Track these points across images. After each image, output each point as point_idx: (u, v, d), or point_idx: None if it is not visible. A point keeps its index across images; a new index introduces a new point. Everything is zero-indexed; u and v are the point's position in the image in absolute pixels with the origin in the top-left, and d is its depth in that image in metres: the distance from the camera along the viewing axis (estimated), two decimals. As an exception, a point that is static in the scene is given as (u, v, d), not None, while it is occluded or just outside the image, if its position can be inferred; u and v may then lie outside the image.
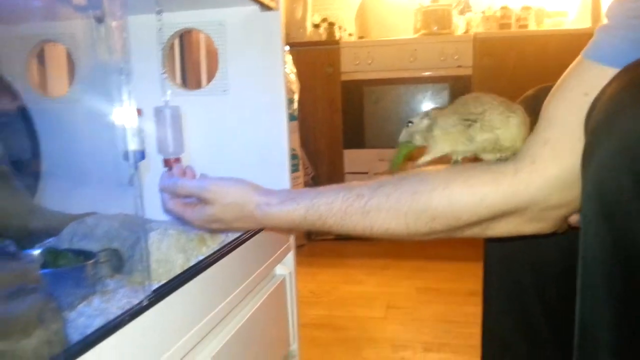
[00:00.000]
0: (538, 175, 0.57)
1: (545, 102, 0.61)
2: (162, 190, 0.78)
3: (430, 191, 0.61)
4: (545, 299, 0.80)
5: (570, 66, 0.59)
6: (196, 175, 0.83)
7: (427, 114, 0.70)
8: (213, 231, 0.84)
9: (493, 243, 0.85)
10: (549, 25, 2.84)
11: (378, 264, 2.17)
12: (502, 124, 0.63)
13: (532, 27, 2.83)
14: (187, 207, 0.77)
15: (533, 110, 0.77)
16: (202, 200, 0.74)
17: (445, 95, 2.66)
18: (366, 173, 2.74)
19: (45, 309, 0.48)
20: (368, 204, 0.64)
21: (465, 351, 1.41)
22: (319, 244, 2.51)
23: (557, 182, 0.57)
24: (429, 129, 0.68)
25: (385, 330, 1.56)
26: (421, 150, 0.70)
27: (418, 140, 0.70)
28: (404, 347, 1.45)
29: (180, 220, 0.81)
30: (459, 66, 2.62)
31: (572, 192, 0.57)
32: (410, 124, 0.71)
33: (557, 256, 0.78)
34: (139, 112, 0.99)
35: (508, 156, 0.63)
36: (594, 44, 0.56)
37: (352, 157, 2.79)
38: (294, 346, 1.15)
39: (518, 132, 0.62)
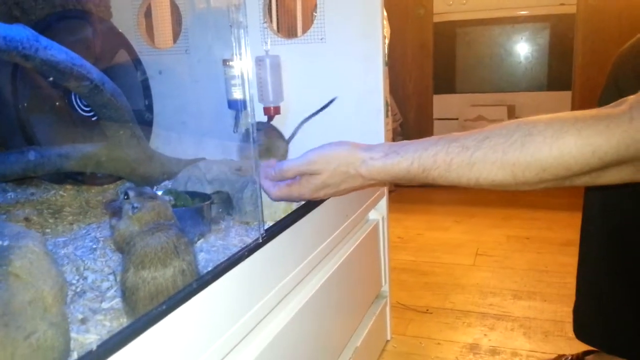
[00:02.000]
0: None
1: None
2: (272, 179, 0.76)
3: (541, 142, 0.59)
4: None
5: None
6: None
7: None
8: (322, 198, 0.83)
9: (594, 191, 0.82)
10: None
11: (466, 211, 2.16)
12: None
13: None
14: (292, 186, 0.77)
15: None
16: (308, 174, 0.75)
17: (545, 36, 2.51)
18: (456, 119, 2.68)
19: (179, 242, 0.55)
20: (474, 156, 0.63)
21: (557, 300, 1.39)
22: (406, 191, 2.53)
23: None
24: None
25: (474, 277, 1.57)
26: None
27: None
28: (493, 293, 1.46)
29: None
30: (562, 4, 2.43)
31: None
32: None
33: None
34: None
35: None
36: None
37: (441, 103, 2.74)
38: (385, 287, 1.20)
39: None
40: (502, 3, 2.53)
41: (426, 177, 0.67)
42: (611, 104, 0.61)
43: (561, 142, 0.58)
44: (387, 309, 1.21)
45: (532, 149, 0.60)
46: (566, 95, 2.49)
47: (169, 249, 0.53)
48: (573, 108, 2.65)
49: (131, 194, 0.61)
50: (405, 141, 0.70)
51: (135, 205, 0.59)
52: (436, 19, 2.64)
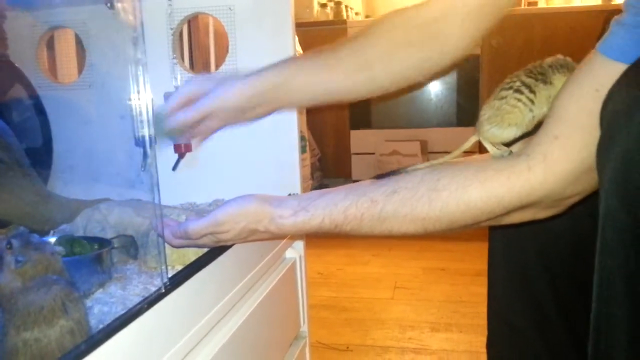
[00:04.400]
0: (551, 173, 0.58)
1: (556, 97, 0.61)
2: (177, 240, 0.73)
3: (447, 197, 0.61)
4: (551, 279, 0.80)
5: (584, 59, 0.58)
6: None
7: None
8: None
9: (496, 227, 0.85)
10: (558, 2, 2.81)
11: (384, 245, 2.19)
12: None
13: (542, 4, 2.80)
14: (197, 241, 0.74)
15: None
16: (215, 234, 0.72)
17: (453, 75, 2.64)
18: (373, 154, 2.74)
19: (67, 299, 0.49)
20: (384, 211, 0.64)
21: (472, 330, 1.43)
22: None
23: (569, 177, 0.57)
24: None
25: (392, 311, 1.58)
26: None
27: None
28: (411, 327, 1.47)
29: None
30: (467, 45, 2.59)
31: (585, 183, 0.58)
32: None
33: (564, 237, 0.78)
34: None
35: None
36: (608, 38, 0.55)
37: (358, 138, 2.79)
38: (304, 327, 1.17)
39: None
40: (412, 43, 2.65)
41: (339, 232, 0.67)
42: (515, 145, 0.65)
43: (467, 197, 0.61)
44: (307, 349, 1.17)
45: (440, 204, 0.62)
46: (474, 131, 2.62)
47: (56, 306, 0.48)
48: (480, 143, 2.79)
49: (15, 244, 0.55)
50: (314, 193, 0.70)
51: (20, 258, 0.53)
52: (351, 57, 2.71)
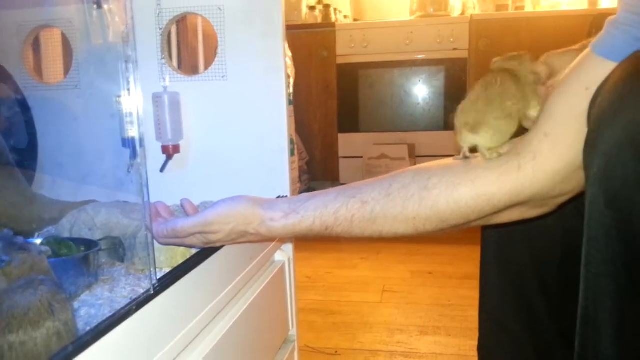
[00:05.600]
0: (541, 171, 0.58)
1: (550, 95, 0.61)
2: (164, 237, 0.72)
3: (437, 196, 0.62)
4: (543, 280, 0.81)
5: (578, 58, 0.59)
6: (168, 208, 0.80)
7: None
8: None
9: (489, 227, 0.86)
10: (545, 7, 2.84)
11: (372, 248, 2.19)
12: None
13: (529, 8, 2.82)
14: (185, 239, 0.73)
15: None
16: (204, 233, 0.72)
17: (441, 78, 2.66)
18: (361, 157, 2.75)
19: (54, 300, 0.48)
20: (374, 212, 0.64)
21: (461, 334, 1.43)
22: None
23: (558, 176, 0.58)
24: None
25: (381, 315, 1.58)
26: None
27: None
28: (400, 330, 1.47)
29: None
30: (455, 49, 2.61)
31: (574, 182, 0.58)
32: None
33: (556, 238, 0.79)
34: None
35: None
36: (601, 37, 0.55)
37: (346, 141, 2.79)
38: (293, 331, 1.16)
39: None
40: (401, 47, 2.67)
41: (330, 234, 0.67)
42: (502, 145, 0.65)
43: (457, 195, 0.61)
44: (295, 354, 1.16)
45: (430, 203, 0.62)
46: (461, 135, 2.64)
47: (42, 307, 0.47)
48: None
49: (-1, 244, 0.53)
50: (304, 195, 0.69)
51: (3, 258, 0.52)
52: (339, 60, 2.72)
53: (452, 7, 2.86)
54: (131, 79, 0.58)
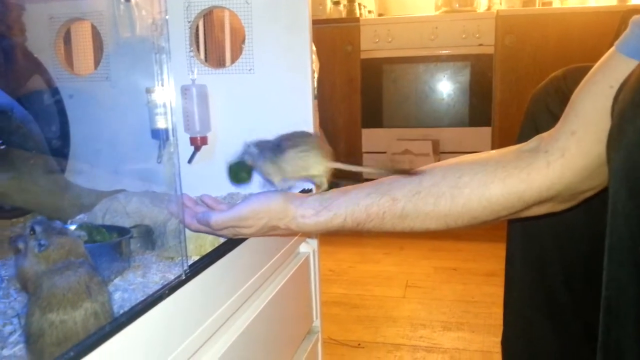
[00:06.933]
0: (569, 168, 0.60)
1: (574, 92, 0.62)
2: (196, 229, 0.74)
3: (469, 194, 0.63)
4: (569, 276, 0.81)
5: (603, 57, 0.60)
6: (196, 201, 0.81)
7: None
8: None
9: (516, 221, 0.86)
10: (573, 2, 2.79)
11: (395, 243, 2.18)
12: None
13: (556, 4, 2.78)
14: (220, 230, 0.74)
15: (561, 92, 0.77)
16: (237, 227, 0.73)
17: (466, 74, 2.63)
18: (384, 152, 2.74)
19: (91, 282, 0.50)
20: (406, 209, 0.65)
21: (484, 330, 1.42)
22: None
23: (585, 171, 0.59)
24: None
25: (404, 309, 1.58)
26: None
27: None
28: (423, 325, 1.46)
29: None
30: (481, 44, 2.58)
31: (601, 177, 0.60)
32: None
33: (582, 233, 0.79)
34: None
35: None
36: (626, 36, 0.56)
37: (370, 137, 2.79)
38: (317, 322, 1.17)
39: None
40: (425, 43, 2.65)
41: (361, 229, 0.69)
42: (529, 142, 0.66)
43: (488, 194, 0.63)
44: (319, 345, 1.17)
45: (462, 201, 0.64)
46: (486, 131, 2.61)
47: (80, 289, 0.48)
48: (493, 143, 2.78)
49: (38, 229, 0.55)
50: (334, 192, 0.71)
51: (42, 242, 0.53)
52: (363, 55, 2.71)
53: (477, 2, 2.82)
54: (164, 71, 0.59)
